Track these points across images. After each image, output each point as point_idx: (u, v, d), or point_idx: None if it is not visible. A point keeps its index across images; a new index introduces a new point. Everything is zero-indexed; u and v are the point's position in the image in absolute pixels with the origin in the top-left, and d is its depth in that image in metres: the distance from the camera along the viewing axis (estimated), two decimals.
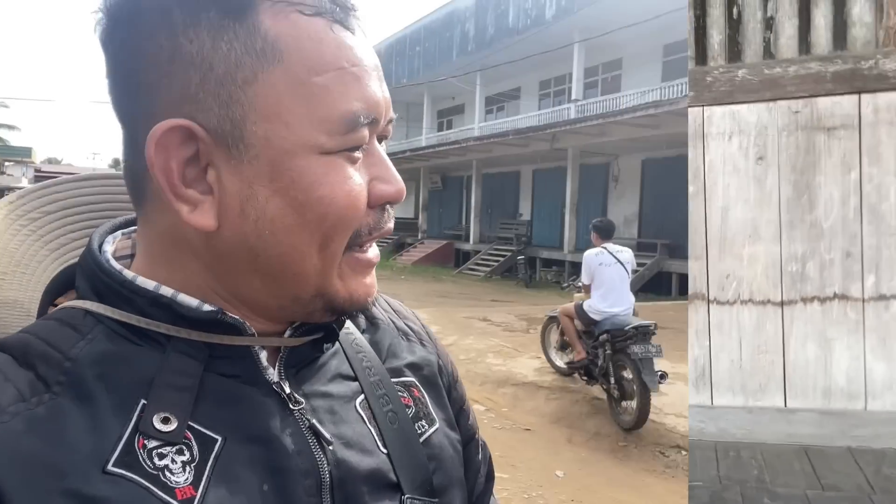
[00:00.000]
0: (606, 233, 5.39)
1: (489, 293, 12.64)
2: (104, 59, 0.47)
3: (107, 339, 0.47)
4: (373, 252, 0.52)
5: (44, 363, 0.45)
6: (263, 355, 0.51)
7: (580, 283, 5.55)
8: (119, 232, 0.55)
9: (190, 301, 0.48)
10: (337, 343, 0.57)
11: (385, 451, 0.53)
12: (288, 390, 0.50)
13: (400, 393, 0.59)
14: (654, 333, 4.78)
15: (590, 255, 5.29)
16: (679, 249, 14.22)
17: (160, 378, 0.46)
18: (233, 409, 0.48)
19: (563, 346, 5.80)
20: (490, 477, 0.70)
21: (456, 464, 0.60)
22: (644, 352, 4.62)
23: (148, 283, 0.49)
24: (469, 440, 0.65)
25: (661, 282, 13.67)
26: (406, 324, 0.67)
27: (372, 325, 0.63)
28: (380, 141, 0.51)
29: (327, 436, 0.50)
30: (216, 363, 0.48)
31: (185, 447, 0.45)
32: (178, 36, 0.43)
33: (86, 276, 0.51)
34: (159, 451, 0.44)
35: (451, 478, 0.59)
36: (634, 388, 4.67)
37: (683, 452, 4.65)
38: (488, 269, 17.52)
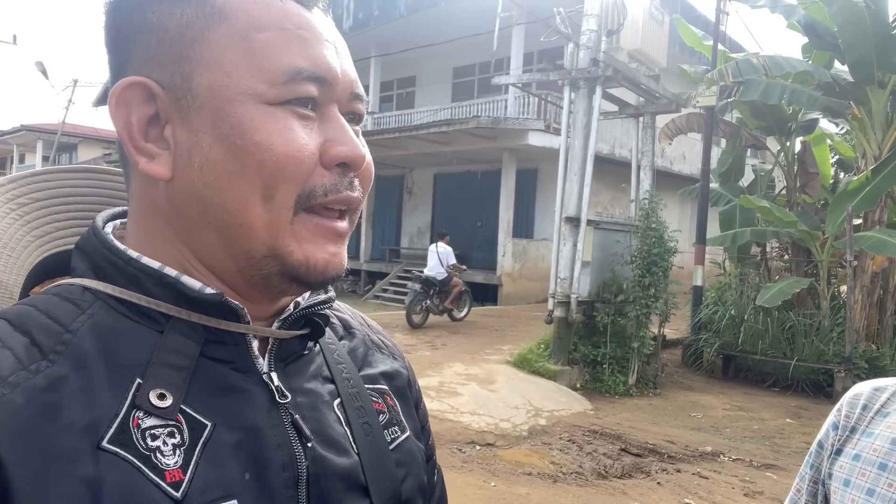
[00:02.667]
0: (439, 236, 11.08)
1: None
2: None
3: (107, 315, 0.48)
4: (342, 224, 0.52)
5: (42, 332, 0.46)
6: (255, 345, 0.52)
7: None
8: (118, 220, 0.57)
9: (193, 283, 0.50)
10: (319, 346, 0.59)
11: (357, 455, 0.55)
12: (276, 382, 0.52)
13: (374, 399, 0.61)
14: (436, 283, 10.22)
15: (430, 246, 10.93)
16: (467, 260, 15.17)
17: (158, 356, 0.47)
18: (224, 396, 0.49)
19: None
20: (443, 500, 0.71)
21: (423, 472, 0.62)
22: (428, 283, 10.15)
23: (153, 263, 0.50)
24: (428, 459, 0.67)
25: None
26: (380, 338, 0.70)
27: (349, 334, 0.66)
28: (349, 118, 0.53)
29: (307, 432, 0.52)
30: (211, 347, 0.50)
31: (176, 430, 0.46)
32: (145, 11, 0.49)
33: (87, 254, 0.51)
34: (152, 431, 0.45)
35: (420, 485, 0.61)
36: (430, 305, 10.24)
37: (478, 447, 5.04)
38: None
